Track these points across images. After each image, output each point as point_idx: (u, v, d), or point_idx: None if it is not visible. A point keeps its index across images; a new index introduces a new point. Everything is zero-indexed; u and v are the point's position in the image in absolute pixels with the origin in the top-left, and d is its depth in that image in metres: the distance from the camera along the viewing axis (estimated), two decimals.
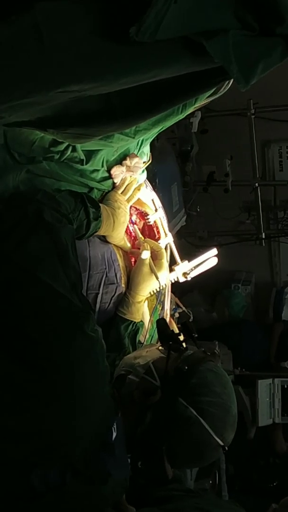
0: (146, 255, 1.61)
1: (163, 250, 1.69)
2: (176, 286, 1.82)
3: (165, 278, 1.69)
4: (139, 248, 1.68)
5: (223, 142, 3.89)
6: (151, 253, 1.65)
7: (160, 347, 1.32)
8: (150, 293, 1.66)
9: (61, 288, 1.12)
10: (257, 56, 0.97)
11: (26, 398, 1.05)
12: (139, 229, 1.74)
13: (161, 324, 1.32)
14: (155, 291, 1.68)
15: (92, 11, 0.97)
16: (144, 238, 1.72)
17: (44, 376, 1.05)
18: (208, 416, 1.16)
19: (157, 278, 1.61)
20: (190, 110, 1.46)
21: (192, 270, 1.77)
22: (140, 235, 1.71)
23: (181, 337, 1.34)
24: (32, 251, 1.14)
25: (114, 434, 1.12)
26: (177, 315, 2.03)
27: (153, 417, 1.17)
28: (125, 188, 1.63)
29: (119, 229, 1.57)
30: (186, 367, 1.19)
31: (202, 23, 0.94)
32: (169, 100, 1.18)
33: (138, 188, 1.67)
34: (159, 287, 1.67)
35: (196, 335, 1.34)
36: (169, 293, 1.76)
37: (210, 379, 1.20)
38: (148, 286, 1.62)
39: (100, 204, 1.49)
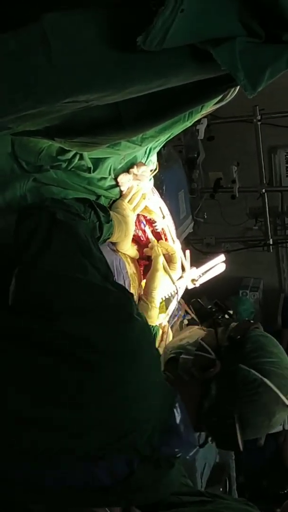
0: (160, 261, 1.63)
1: (177, 253, 1.69)
2: (184, 293, 1.82)
3: (180, 280, 1.72)
4: (148, 256, 1.69)
5: (230, 148, 3.89)
6: (165, 256, 1.66)
7: (202, 326, 1.37)
8: (165, 296, 1.67)
9: (97, 281, 1.12)
10: (264, 63, 0.97)
11: (83, 392, 1.04)
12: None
13: (196, 304, 1.39)
14: (170, 294, 1.69)
15: (99, 21, 0.97)
16: (148, 245, 1.73)
17: (101, 368, 1.04)
18: (271, 375, 1.19)
19: (173, 282, 1.62)
20: (197, 118, 1.46)
21: (200, 276, 1.77)
22: (153, 238, 1.71)
23: None
24: (57, 252, 1.13)
25: (178, 415, 1.13)
26: (186, 321, 2.02)
27: (218, 389, 1.19)
28: (131, 197, 1.63)
29: (129, 236, 1.57)
30: (238, 336, 1.23)
31: (208, 31, 0.94)
32: (176, 108, 1.18)
33: (143, 197, 1.67)
34: (171, 293, 1.68)
35: (231, 311, 1.39)
36: (178, 298, 1.77)
37: (264, 342, 1.24)
38: (165, 289, 1.65)
39: (113, 216, 1.50)
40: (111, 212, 1.49)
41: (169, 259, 1.67)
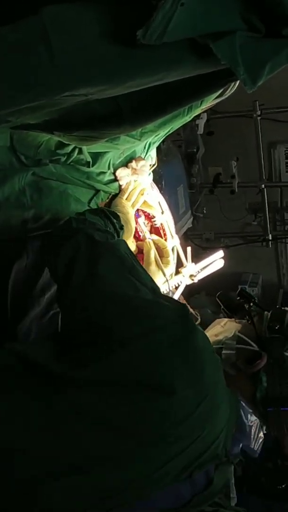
0: (152, 254, 1.62)
1: (168, 248, 1.69)
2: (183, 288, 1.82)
3: (179, 276, 1.71)
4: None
5: (229, 143, 3.88)
6: (157, 249, 1.65)
7: (234, 319, 1.36)
8: (163, 291, 1.66)
9: (149, 297, 1.09)
10: (264, 58, 0.97)
11: (172, 427, 0.98)
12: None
13: (223, 297, 1.39)
14: (169, 289, 1.69)
15: (98, 14, 0.97)
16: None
17: (182, 389, 0.97)
18: None
19: (164, 275, 1.61)
20: (196, 112, 1.46)
21: (198, 272, 1.77)
22: (146, 230, 1.70)
23: None
24: (105, 274, 1.10)
25: (244, 414, 1.14)
26: None
27: (268, 379, 1.19)
28: (129, 193, 1.63)
29: (131, 233, 1.57)
30: (277, 325, 1.24)
31: (208, 25, 0.94)
32: (176, 102, 1.18)
33: (141, 193, 1.67)
34: (168, 289, 1.67)
35: (256, 299, 1.39)
36: (178, 294, 1.76)
37: None
38: (159, 283, 1.63)
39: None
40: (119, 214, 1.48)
41: (161, 253, 1.66)
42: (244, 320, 1.32)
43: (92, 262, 1.12)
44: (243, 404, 1.16)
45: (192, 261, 1.78)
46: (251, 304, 1.37)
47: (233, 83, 1.37)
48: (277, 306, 1.35)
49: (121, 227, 1.42)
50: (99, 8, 0.97)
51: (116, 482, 0.98)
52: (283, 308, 1.31)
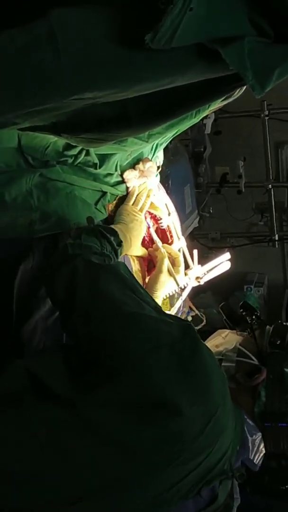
0: (165, 264, 1.63)
1: (181, 257, 1.69)
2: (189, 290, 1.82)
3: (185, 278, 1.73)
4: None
5: (237, 143, 3.87)
6: (168, 258, 1.66)
7: (236, 331, 1.37)
8: (165, 296, 1.67)
9: (154, 315, 1.08)
10: (273, 63, 0.96)
11: (183, 450, 0.98)
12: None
13: (226, 309, 1.39)
14: (169, 294, 1.69)
15: (107, 18, 0.96)
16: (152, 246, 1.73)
17: (189, 409, 0.97)
18: None
19: (177, 284, 1.63)
20: (204, 114, 1.45)
21: (205, 274, 1.77)
22: (158, 240, 1.70)
23: None
24: (109, 294, 1.10)
25: (248, 429, 1.15)
26: (190, 318, 2.02)
27: (267, 394, 1.20)
28: (137, 197, 1.63)
29: (135, 243, 1.57)
30: (278, 341, 1.24)
31: (217, 30, 0.93)
32: (184, 106, 1.17)
33: (148, 195, 1.66)
34: (175, 291, 1.68)
35: (258, 313, 1.40)
36: (183, 297, 1.77)
37: None
38: (166, 290, 1.65)
39: (115, 228, 1.48)
40: (115, 229, 1.46)
41: (172, 262, 1.67)
42: (246, 333, 1.32)
43: (93, 284, 1.12)
44: (247, 419, 1.16)
45: (198, 261, 1.78)
46: (254, 317, 1.37)
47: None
48: (279, 322, 1.34)
49: (119, 243, 1.40)
50: (107, 11, 0.97)
51: (127, 504, 0.98)
52: (285, 323, 1.31)
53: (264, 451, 1.18)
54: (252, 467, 1.16)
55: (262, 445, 1.18)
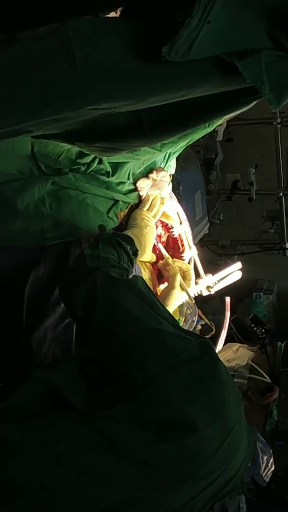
0: (178, 280, 1.62)
1: (191, 270, 1.69)
2: (198, 296, 1.82)
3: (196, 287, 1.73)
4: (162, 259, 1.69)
5: (248, 150, 3.86)
6: (180, 271, 1.66)
7: (248, 346, 1.37)
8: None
9: (172, 330, 1.08)
10: None
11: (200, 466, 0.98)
12: (163, 243, 1.73)
13: (237, 322, 1.37)
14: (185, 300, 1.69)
15: (123, 30, 0.96)
16: (169, 253, 1.72)
17: (206, 426, 0.97)
18: None
19: (191, 299, 1.64)
20: (218, 123, 1.45)
21: (216, 283, 1.76)
22: (168, 255, 1.70)
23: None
24: (128, 309, 1.09)
25: (259, 446, 1.14)
26: (199, 327, 2.01)
27: (279, 413, 1.21)
28: (151, 203, 1.62)
29: (148, 248, 1.57)
30: None
31: (235, 43, 0.93)
32: (199, 118, 1.17)
33: (162, 202, 1.66)
34: (185, 300, 1.68)
35: (267, 326, 1.40)
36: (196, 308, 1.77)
37: None
38: (178, 303, 1.65)
39: (130, 234, 1.48)
40: (130, 235, 1.46)
41: (183, 276, 1.67)
42: (256, 347, 1.32)
43: (112, 301, 1.11)
44: (259, 436, 1.15)
45: (208, 267, 1.78)
46: (263, 330, 1.36)
47: None
48: None
49: (135, 252, 1.39)
50: (124, 23, 0.97)
51: None
52: None
53: (273, 468, 1.17)
54: (261, 483, 1.15)
55: (271, 461, 1.17)
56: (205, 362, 1.02)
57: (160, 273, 1.73)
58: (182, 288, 1.62)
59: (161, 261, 1.70)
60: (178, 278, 1.63)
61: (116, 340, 1.06)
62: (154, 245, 1.67)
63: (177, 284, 1.61)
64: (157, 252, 1.70)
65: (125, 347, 1.04)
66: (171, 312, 1.61)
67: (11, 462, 0.95)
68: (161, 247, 1.69)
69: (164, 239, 1.75)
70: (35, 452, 0.96)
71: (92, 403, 1.01)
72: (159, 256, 1.72)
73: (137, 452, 0.95)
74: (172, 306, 1.61)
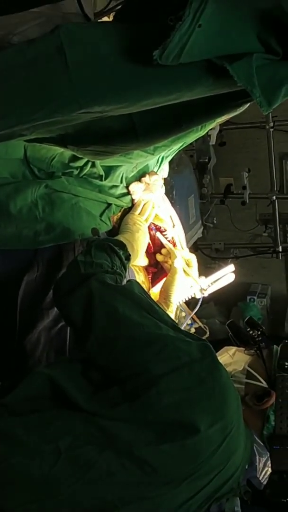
0: (179, 263, 1.61)
1: (192, 258, 1.68)
2: (191, 298, 1.82)
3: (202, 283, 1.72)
4: (156, 262, 1.68)
5: (241, 154, 3.88)
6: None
7: (244, 350, 1.36)
8: (179, 302, 1.67)
9: (172, 334, 1.09)
10: (280, 80, 0.96)
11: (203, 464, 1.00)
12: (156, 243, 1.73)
13: (233, 326, 1.39)
14: (188, 297, 1.68)
15: (115, 33, 0.97)
16: (161, 252, 1.72)
17: (207, 427, 0.99)
18: None
19: (195, 281, 1.64)
20: (210, 127, 1.45)
21: (209, 286, 1.76)
22: (169, 244, 1.70)
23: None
24: (126, 316, 1.10)
25: (257, 451, 1.15)
26: (193, 330, 2.01)
27: (276, 418, 1.21)
28: (143, 208, 1.63)
29: (140, 252, 1.57)
30: (286, 363, 1.25)
31: (226, 46, 0.94)
32: (190, 121, 1.18)
33: (153, 206, 1.66)
34: (185, 299, 1.67)
35: (263, 328, 1.40)
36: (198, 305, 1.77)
37: None
38: (182, 294, 1.65)
39: (122, 239, 1.48)
40: (122, 240, 1.47)
41: (187, 263, 1.66)
42: (253, 351, 1.32)
43: (110, 309, 1.12)
44: (256, 439, 1.16)
45: (201, 271, 1.78)
46: (259, 332, 1.37)
47: None
48: (285, 341, 1.34)
49: (127, 257, 1.40)
50: (116, 27, 0.98)
51: None
52: None
53: (270, 471, 1.18)
54: (258, 486, 1.16)
55: (269, 465, 1.17)
56: (206, 364, 1.04)
57: (154, 276, 1.73)
58: (186, 272, 1.61)
59: (159, 254, 1.69)
60: (180, 261, 1.62)
61: (118, 347, 1.07)
62: (155, 238, 1.67)
63: (179, 268, 1.61)
64: (152, 246, 1.70)
65: (127, 353, 1.06)
66: (175, 306, 1.61)
67: (13, 455, 0.97)
68: (160, 235, 1.69)
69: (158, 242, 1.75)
70: (36, 446, 0.98)
71: (95, 402, 1.02)
72: (152, 260, 1.72)
73: (137, 450, 0.97)
74: (176, 292, 1.59)
